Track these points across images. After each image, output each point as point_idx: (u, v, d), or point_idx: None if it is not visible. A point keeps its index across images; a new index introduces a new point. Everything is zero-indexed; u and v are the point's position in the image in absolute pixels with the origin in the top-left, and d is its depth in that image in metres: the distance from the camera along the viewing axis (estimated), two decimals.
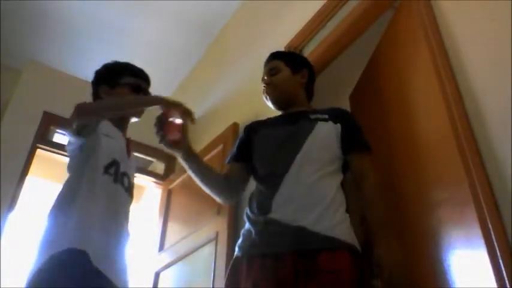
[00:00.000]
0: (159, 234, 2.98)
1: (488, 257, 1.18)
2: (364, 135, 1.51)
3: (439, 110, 1.48)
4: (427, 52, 1.59)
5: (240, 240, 1.38)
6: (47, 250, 1.27)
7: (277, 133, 1.49)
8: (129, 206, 1.54)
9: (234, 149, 1.62)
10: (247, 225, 1.39)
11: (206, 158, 2.85)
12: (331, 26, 2.27)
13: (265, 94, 1.62)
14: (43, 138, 3.05)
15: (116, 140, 1.55)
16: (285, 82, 1.59)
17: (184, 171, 3.04)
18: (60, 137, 3.44)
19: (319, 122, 1.46)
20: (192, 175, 1.48)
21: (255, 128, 1.60)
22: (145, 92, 1.67)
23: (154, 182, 3.40)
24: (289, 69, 1.61)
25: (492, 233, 1.19)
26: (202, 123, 3.58)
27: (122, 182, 1.50)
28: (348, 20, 2.12)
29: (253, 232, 1.33)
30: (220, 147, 2.74)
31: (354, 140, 1.46)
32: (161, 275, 2.85)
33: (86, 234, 1.32)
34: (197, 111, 3.63)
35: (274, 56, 1.68)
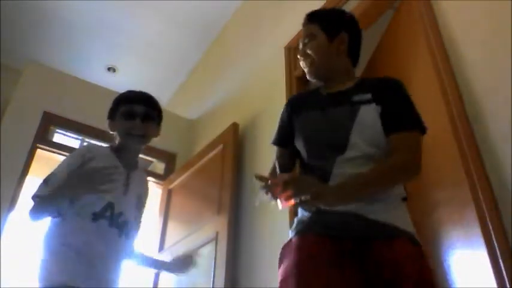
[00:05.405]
0: (159, 234, 2.99)
1: (488, 257, 1.18)
2: (411, 111, 1.26)
3: (439, 110, 1.48)
4: (427, 52, 1.59)
5: (293, 227, 1.27)
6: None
7: (319, 119, 1.33)
8: (121, 244, 1.59)
9: (277, 131, 1.46)
10: (299, 213, 1.29)
11: (206, 158, 2.85)
12: None
13: (302, 67, 1.42)
14: (43, 138, 3.05)
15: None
16: (321, 53, 1.36)
17: (184, 171, 3.06)
18: (60, 137, 3.44)
19: (362, 107, 1.26)
20: None
21: (296, 107, 1.42)
22: (145, 115, 1.64)
23: (155, 182, 3.39)
24: (324, 35, 1.36)
25: (492, 233, 1.20)
26: (202, 123, 3.59)
27: (117, 224, 1.56)
28: None
29: (306, 216, 1.24)
30: (220, 147, 2.74)
31: (394, 120, 1.23)
32: (161, 275, 2.85)
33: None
34: (197, 111, 3.66)
35: (309, 18, 1.42)
